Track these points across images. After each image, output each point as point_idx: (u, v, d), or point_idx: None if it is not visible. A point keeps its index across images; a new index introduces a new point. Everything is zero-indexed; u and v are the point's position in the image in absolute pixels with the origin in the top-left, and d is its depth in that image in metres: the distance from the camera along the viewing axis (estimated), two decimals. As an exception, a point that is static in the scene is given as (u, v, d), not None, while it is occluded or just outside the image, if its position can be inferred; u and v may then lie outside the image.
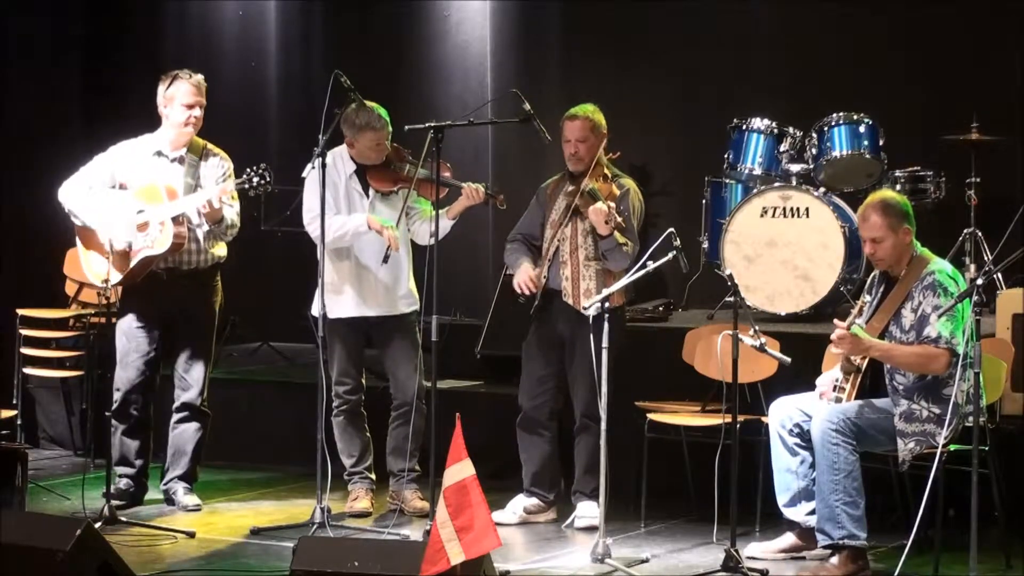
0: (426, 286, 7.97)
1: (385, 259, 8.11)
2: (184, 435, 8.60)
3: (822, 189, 9.54)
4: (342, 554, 6.44)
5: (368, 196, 8.31)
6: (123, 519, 8.08)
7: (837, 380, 7.42)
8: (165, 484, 8.64)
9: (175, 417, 8.62)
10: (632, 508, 8.32)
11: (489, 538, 6.14)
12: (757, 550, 7.59)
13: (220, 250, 8.54)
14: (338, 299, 8.31)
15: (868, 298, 7.57)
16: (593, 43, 10.69)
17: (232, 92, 11.69)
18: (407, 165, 8.29)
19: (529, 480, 8.32)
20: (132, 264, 8.27)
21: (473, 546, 6.11)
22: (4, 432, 9.21)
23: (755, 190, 9.56)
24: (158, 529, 8.04)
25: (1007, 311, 8.37)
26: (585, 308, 7.77)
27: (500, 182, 8.51)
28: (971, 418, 6.90)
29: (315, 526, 7.85)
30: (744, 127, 9.82)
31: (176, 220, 8.26)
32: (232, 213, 8.40)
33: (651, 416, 8.26)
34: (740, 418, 7.42)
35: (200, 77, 8.48)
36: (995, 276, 9.08)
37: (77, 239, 8.53)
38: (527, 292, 8.14)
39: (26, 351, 9.99)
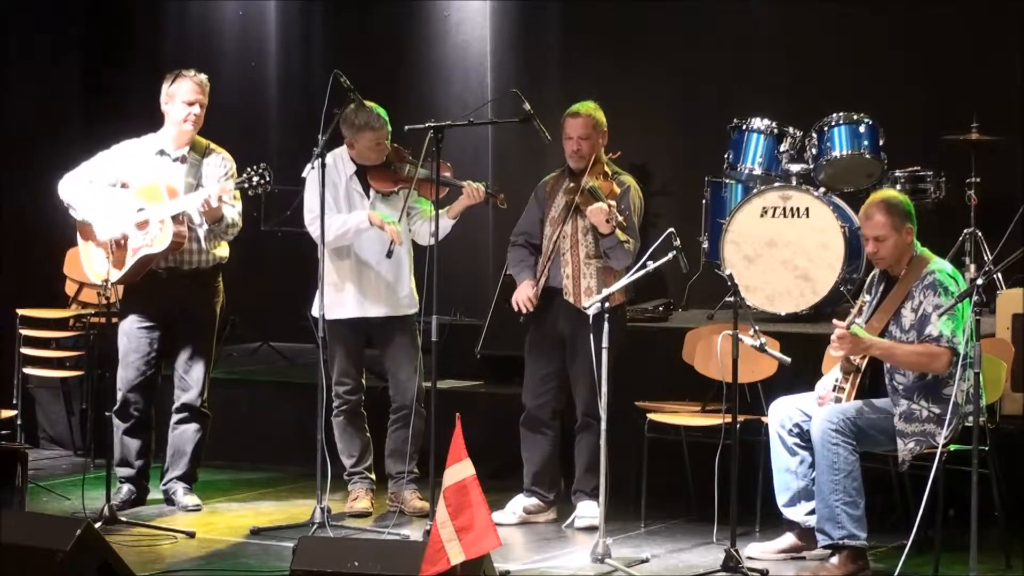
0: (426, 286, 7.97)
1: (389, 253, 8.10)
2: (184, 436, 8.60)
3: (822, 189, 9.53)
4: (342, 554, 6.44)
5: (369, 197, 8.31)
6: (123, 519, 8.08)
7: (837, 380, 7.42)
8: (164, 484, 8.64)
9: (175, 418, 8.62)
10: (632, 508, 8.32)
11: (489, 538, 6.14)
12: (757, 550, 7.59)
13: (222, 251, 8.54)
14: (339, 299, 8.30)
15: (868, 298, 7.57)
16: (593, 43, 10.69)
17: (232, 92, 11.68)
18: (407, 165, 8.29)
19: (530, 480, 8.32)
20: (131, 262, 8.26)
21: (473, 546, 6.11)
22: (4, 432, 9.21)
23: (755, 190, 9.55)
24: (158, 529, 8.04)
25: (1007, 311, 8.37)
26: (585, 307, 7.78)
27: (500, 182, 8.51)
28: (971, 418, 6.90)
29: (315, 526, 7.85)
30: (744, 127, 9.82)
31: (176, 219, 8.26)
32: (233, 212, 8.40)
33: (651, 416, 8.26)
34: (740, 418, 7.43)
35: (203, 76, 8.50)
36: (995, 276, 9.08)
37: (77, 234, 8.53)
38: (524, 311, 8.15)
39: (26, 351, 9.99)
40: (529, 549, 7.88)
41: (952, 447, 7.31)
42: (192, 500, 8.57)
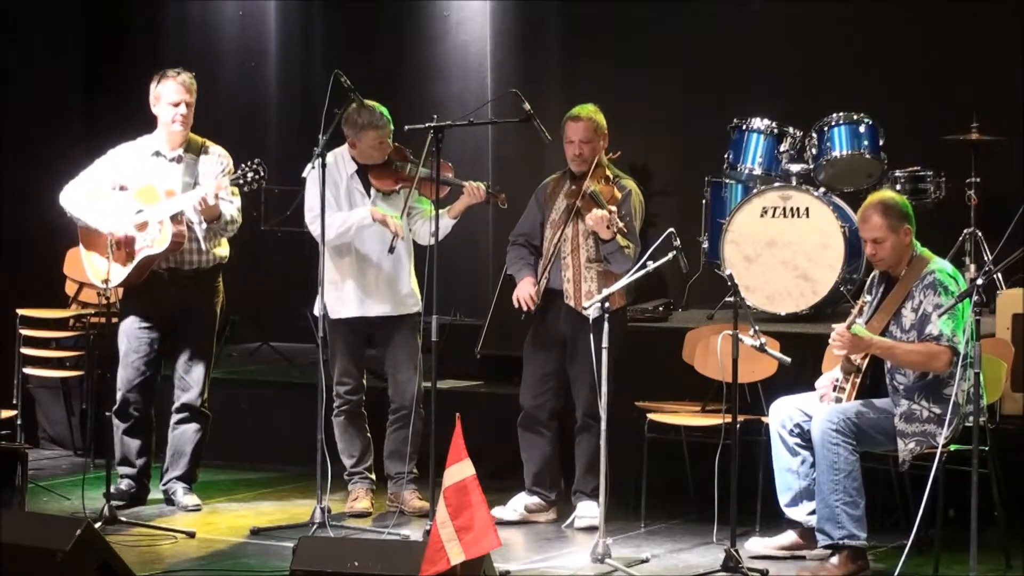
0: (426, 286, 7.98)
1: (391, 249, 8.09)
2: (184, 436, 8.60)
3: (822, 189, 9.53)
4: (342, 554, 6.44)
5: (369, 196, 8.31)
6: (123, 519, 8.08)
7: (837, 380, 7.42)
8: (164, 484, 8.64)
9: (175, 418, 8.62)
10: (632, 508, 8.32)
11: (489, 538, 6.14)
12: (759, 545, 7.60)
13: (222, 250, 8.54)
14: (340, 299, 8.31)
15: (868, 298, 7.57)
16: (593, 43, 10.69)
17: (232, 92, 11.71)
18: (409, 164, 8.29)
19: (531, 480, 8.33)
20: (133, 264, 8.27)
21: (473, 546, 6.11)
22: (4, 432, 9.20)
23: (755, 190, 9.55)
24: (158, 529, 8.04)
25: (1007, 311, 8.37)
26: (585, 308, 7.78)
27: (500, 182, 8.51)
28: (971, 418, 6.90)
29: (315, 526, 7.85)
30: (744, 127, 9.82)
31: (175, 219, 8.26)
32: (232, 209, 8.40)
33: (651, 416, 8.26)
34: (740, 418, 7.42)
35: (187, 75, 8.46)
36: (995, 276, 9.08)
37: (80, 243, 8.53)
38: (526, 309, 8.15)
39: (26, 351, 9.99)
40: (529, 549, 7.88)
41: (952, 447, 7.31)
42: (192, 500, 8.57)
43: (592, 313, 7.63)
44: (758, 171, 9.78)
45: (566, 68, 10.72)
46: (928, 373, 7.27)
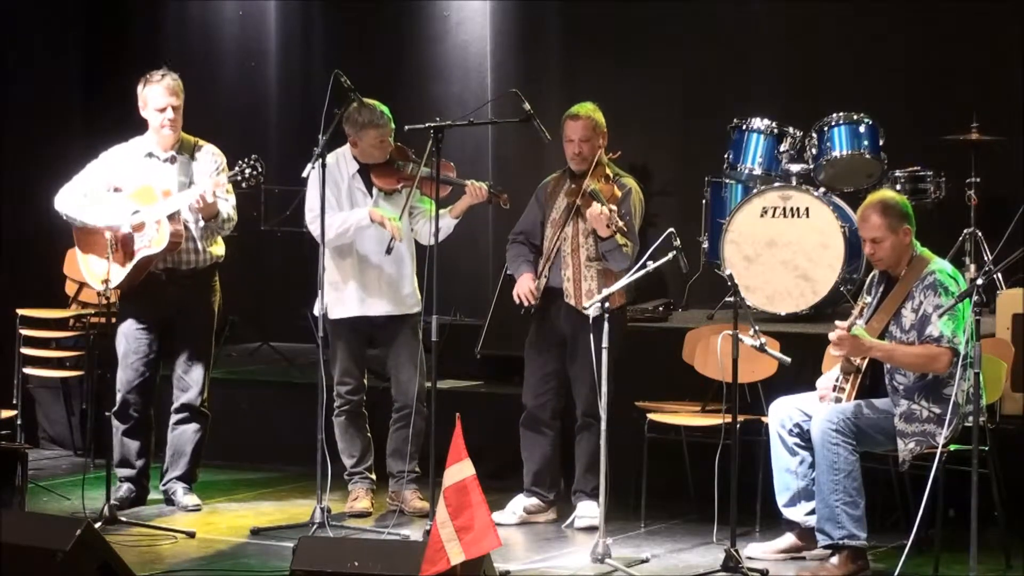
0: (426, 286, 7.98)
1: (388, 250, 8.09)
2: (183, 436, 8.60)
3: (822, 189, 9.53)
4: (342, 554, 6.44)
5: (371, 195, 8.31)
6: (123, 519, 8.08)
7: (837, 380, 7.42)
8: (164, 484, 8.64)
9: (174, 418, 8.62)
10: (632, 508, 8.32)
11: (489, 538, 6.14)
12: (757, 550, 7.59)
13: (219, 249, 8.54)
14: (341, 298, 8.31)
15: (868, 298, 7.57)
16: (593, 43, 10.69)
17: (232, 92, 11.71)
18: (410, 164, 8.29)
19: (530, 479, 8.32)
20: (131, 264, 8.26)
21: (473, 546, 6.11)
22: (4, 432, 9.20)
23: (755, 190, 9.55)
24: (158, 529, 8.04)
25: (1007, 311, 8.37)
26: (585, 308, 7.78)
27: (500, 182, 8.50)
28: (971, 418, 6.90)
29: (315, 526, 7.85)
30: (744, 127, 9.82)
31: (172, 218, 8.26)
32: (228, 207, 8.40)
33: (651, 416, 8.26)
34: (740, 418, 7.43)
35: (172, 77, 8.43)
36: (995, 276, 9.08)
37: (76, 246, 8.52)
38: (527, 303, 8.15)
39: (26, 351, 9.99)
40: (529, 549, 7.88)
41: (952, 447, 7.31)
42: (192, 500, 8.57)
43: (592, 312, 7.63)
44: (758, 171, 9.78)
45: (566, 68, 10.72)
46: (928, 373, 7.27)
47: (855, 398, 7.36)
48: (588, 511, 8.10)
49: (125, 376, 8.49)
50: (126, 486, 8.58)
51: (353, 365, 8.40)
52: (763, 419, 7.91)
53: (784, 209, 9.33)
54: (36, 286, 10.33)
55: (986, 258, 9.31)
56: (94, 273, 8.47)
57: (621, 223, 7.94)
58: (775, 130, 9.79)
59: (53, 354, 10.11)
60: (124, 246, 8.30)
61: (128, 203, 8.30)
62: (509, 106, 8.64)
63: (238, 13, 11.77)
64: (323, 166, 8.00)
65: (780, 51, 10.34)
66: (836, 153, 9.62)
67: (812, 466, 7.40)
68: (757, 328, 7.44)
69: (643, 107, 10.39)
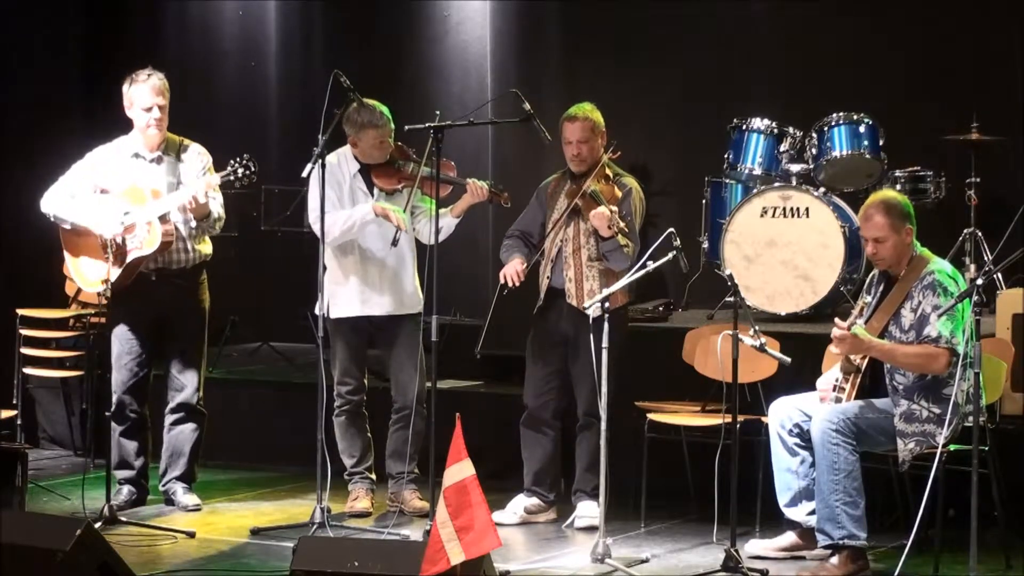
0: (426, 286, 7.98)
1: (394, 242, 8.09)
2: (181, 436, 8.59)
3: (822, 189, 9.53)
4: (342, 554, 6.44)
5: (372, 195, 8.31)
6: (123, 519, 8.08)
7: (837, 380, 7.42)
8: (164, 485, 8.64)
9: (171, 418, 8.61)
10: (632, 508, 8.32)
11: (489, 538, 6.14)
12: (758, 547, 7.59)
13: (206, 248, 8.54)
14: (342, 298, 8.30)
15: (868, 298, 7.57)
16: (593, 43, 10.69)
17: (232, 92, 11.71)
18: (411, 163, 8.29)
19: (531, 479, 8.33)
20: (123, 266, 8.24)
21: (473, 546, 6.11)
22: (4, 432, 9.20)
23: (755, 190, 9.56)
24: (158, 529, 8.04)
25: (1007, 311, 8.37)
26: (585, 308, 7.77)
27: (500, 182, 8.49)
28: (971, 418, 6.90)
29: (315, 526, 7.85)
30: (744, 127, 9.82)
31: (163, 219, 8.25)
32: (217, 206, 8.41)
33: (651, 416, 8.26)
34: (740, 418, 7.42)
35: (156, 77, 8.42)
36: (995, 276, 9.08)
37: (64, 250, 8.50)
38: (511, 284, 8.14)
39: (26, 351, 9.99)
40: (529, 549, 7.88)
41: (952, 447, 7.31)
42: (192, 500, 8.57)
43: (592, 312, 7.63)
44: (758, 171, 9.79)
45: (566, 68, 10.72)
46: (928, 373, 7.27)
47: (855, 398, 7.36)
48: (588, 511, 8.10)
49: (120, 377, 8.48)
50: (126, 488, 8.58)
51: (353, 365, 8.40)
52: (763, 419, 7.91)
53: (784, 209, 9.33)
54: (36, 286, 10.33)
55: (986, 258, 9.31)
56: (84, 276, 8.46)
57: (622, 223, 7.94)
58: (775, 130, 9.80)
59: (53, 354, 10.11)
60: (114, 248, 8.29)
61: (118, 204, 8.29)
62: (509, 106, 8.64)
63: (238, 13, 11.77)
64: (323, 166, 8.00)
65: (780, 51, 10.34)
66: (836, 153, 9.62)
67: (812, 466, 7.40)
68: (757, 328, 7.44)
69: (643, 107, 10.39)
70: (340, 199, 8.29)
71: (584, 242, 8.13)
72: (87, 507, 8.12)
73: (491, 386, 9.64)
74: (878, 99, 9.81)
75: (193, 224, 8.37)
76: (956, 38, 9.89)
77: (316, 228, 8.18)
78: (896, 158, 9.65)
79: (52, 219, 8.46)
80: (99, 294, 8.09)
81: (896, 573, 7.03)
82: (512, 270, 8.15)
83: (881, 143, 9.63)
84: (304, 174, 8.04)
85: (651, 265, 7.53)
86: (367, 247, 8.30)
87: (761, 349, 7.42)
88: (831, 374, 7.52)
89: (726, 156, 9.87)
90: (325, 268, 8.24)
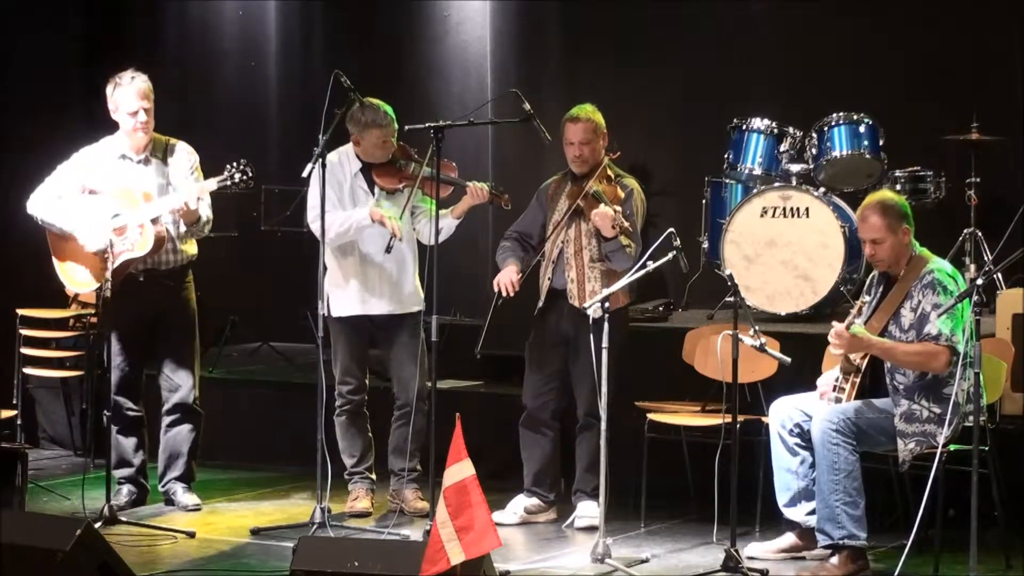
0: (426, 286, 7.99)
1: (388, 249, 8.10)
2: (178, 437, 8.59)
3: (822, 189, 9.54)
4: (342, 554, 6.44)
5: (373, 194, 8.31)
6: (123, 519, 8.08)
7: (837, 380, 7.42)
8: (164, 486, 8.63)
9: (167, 420, 8.60)
10: (632, 508, 8.32)
11: (489, 538, 6.14)
12: (757, 550, 7.59)
13: (192, 248, 8.54)
14: (343, 298, 8.31)
15: (867, 298, 7.57)
16: (593, 43, 10.69)
17: (232, 92, 11.71)
18: (412, 163, 8.29)
19: (531, 480, 8.33)
20: (112, 267, 8.20)
21: (473, 546, 6.11)
22: (4, 432, 9.20)
23: (755, 190, 9.56)
24: (158, 529, 8.04)
25: (1007, 311, 8.37)
26: (585, 307, 7.77)
27: (500, 182, 8.50)
28: (971, 418, 6.90)
29: (315, 526, 7.85)
30: (744, 127, 9.82)
31: (154, 221, 8.25)
32: (206, 209, 8.41)
33: (651, 416, 8.27)
34: (740, 418, 7.42)
35: (140, 79, 8.39)
36: (995, 276, 9.08)
37: (51, 251, 8.49)
38: (505, 294, 8.14)
39: (26, 351, 9.99)
40: (529, 549, 7.88)
41: (952, 447, 7.31)
42: (192, 500, 8.57)
43: (592, 313, 7.62)
44: (758, 171, 9.78)
45: (566, 68, 10.71)
46: (928, 373, 7.27)
47: (855, 398, 7.36)
48: (588, 511, 8.10)
49: (113, 378, 8.46)
50: (126, 488, 8.58)
51: (354, 365, 8.40)
52: (763, 419, 7.92)
53: (784, 209, 9.33)
54: (36, 286, 10.32)
55: (986, 258, 9.31)
56: (71, 277, 8.45)
57: (626, 223, 7.95)
58: (775, 130, 9.79)
59: (53, 354, 10.10)
60: (109, 251, 8.28)
61: (107, 205, 8.27)
62: (509, 106, 8.64)
63: (238, 13, 11.77)
64: (323, 166, 8.00)
65: (780, 51, 10.34)
66: (836, 153, 9.62)
67: (812, 466, 7.40)
68: (757, 328, 7.44)
69: (643, 107, 10.39)
70: (340, 198, 8.29)
71: (586, 243, 8.13)
72: (87, 507, 8.12)
73: (491, 386, 9.64)
74: (878, 99, 9.81)
75: (183, 229, 8.37)
76: (956, 38, 9.88)
77: (315, 228, 8.17)
78: (896, 158, 9.65)
79: (39, 222, 8.45)
80: (97, 293, 8.08)
81: (896, 573, 7.03)
82: (507, 279, 8.14)
83: (881, 143, 9.63)
84: (304, 174, 8.04)
85: (651, 265, 7.53)
86: (367, 248, 8.30)
87: (761, 349, 7.42)
88: (831, 374, 7.52)
89: (726, 156, 9.87)
90: (326, 269, 8.24)
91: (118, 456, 8.54)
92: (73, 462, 9.91)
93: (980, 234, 9.32)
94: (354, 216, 8.22)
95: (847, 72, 10.12)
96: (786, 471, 7.50)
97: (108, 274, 7.99)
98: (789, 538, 7.58)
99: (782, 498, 7.53)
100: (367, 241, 8.29)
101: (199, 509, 8.54)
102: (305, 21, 11.68)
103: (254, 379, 10.37)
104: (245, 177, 8.23)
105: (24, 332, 9.96)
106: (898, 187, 9.43)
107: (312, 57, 11.58)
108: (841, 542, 7.24)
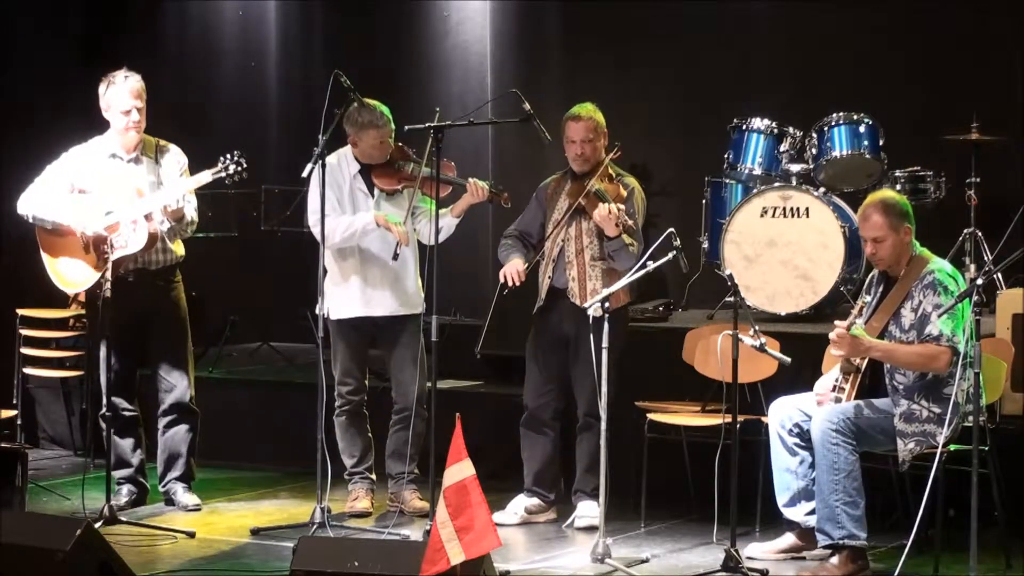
0: (426, 286, 7.98)
1: (395, 256, 8.10)
2: (176, 437, 8.59)
3: (822, 189, 9.53)
4: (342, 554, 6.44)
5: (373, 195, 8.31)
6: (123, 519, 8.07)
7: (837, 380, 7.42)
8: (164, 486, 8.63)
9: (164, 420, 8.60)
10: (632, 508, 8.32)
11: (489, 538, 6.14)
12: (757, 550, 7.59)
13: (180, 249, 8.55)
14: (343, 298, 8.30)
15: (867, 298, 7.57)
16: (593, 43, 10.69)
17: (232, 92, 11.71)
18: (411, 164, 8.29)
19: (531, 480, 8.33)
20: (107, 265, 8.20)
21: (473, 546, 6.11)
22: (4, 432, 9.20)
23: (755, 190, 9.55)
24: (158, 529, 8.04)
25: (1007, 311, 8.37)
26: (585, 307, 7.77)
27: (500, 182, 8.50)
28: (971, 418, 6.90)
29: (315, 526, 7.85)
30: (744, 127, 9.82)
31: (147, 217, 8.25)
32: (192, 210, 8.41)
33: (651, 416, 8.26)
34: (740, 418, 7.42)
35: (134, 79, 8.39)
36: (995, 276, 9.07)
37: (43, 252, 8.48)
38: (512, 283, 8.13)
39: (26, 351, 9.99)
40: (529, 549, 7.88)
41: (952, 447, 7.31)
42: (192, 499, 8.57)
43: (592, 312, 7.62)
44: (758, 171, 9.78)
45: (566, 68, 10.71)
46: (928, 373, 7.27)
47: (855, 398, 7.36)
48: (588, 511, 8.10)
49: (108, 379, 8.44)
50: (126, 488, 8.58)
51: (355, 365, 8.40)
52: (763, 419, 7.91)
53: (784, 209, 9.33)
54: (36, 286, 10.31)
55: (986, 258, 9.31)
56: (63, 277, 8.44)
57: (630, 222, 7.96)
58: (775, 130, 9.79)
59: (53, 354, 10.11)
60: (96, 248, 8.28)
61: (99, 203, 8.27)
62: (509, 106, 8.63)
63: (238, 13, 11.77)
64: (323, 167, 8.00)
65: (780, 51, 10.34)
66: (836, 153, 9.61)
67: (812, 466, 7.40)
68: (757, 328, 7.44)
69: (643, 107, 10.39)
70: (340, 200, 8.28)
71: (588, 242, 8.13)
72: (87, 507, 8.12)
73: (491, 386, 9.65)
74: (878, 99, 9.81)
75: (167, 226, 8.36)
76: (956, 38, 9.88)
77: (316, 231, 8.17)
78: (896, 158, 9.64)
79: (31, 220, 8.45)
80: (98, 293, 8.08)
81: (896, 573, 7.03)
82: (512, 269, 8.14)
83: (881, 143, 9.63)
84: (304, 174, 8.04)
85: (651, 265, 7.53)
86: (367, 249, 8.30)
87: (761, 349, 7.42)
88: (830, 376, 7.52)
89: (726, 156, 9.87)
90: (325, 270, 8.24)
91: (116, 456, 8.53)
92: (73, 462, 9.91)
93: (980, 234, 9.32)
94: (357, 222, 8.21)
95: (847, 72, 10.12)
96: (786, 471, 7.50)
97: (108, 274, 7.98)
98: (789, 538, 7.58)
99: (782, 498, 7.53)
100: (368, 243, 8.28)
101: (199, 509, 8.54)
102: (305, 21, 11.69)
103: (254, 379, 10.37)
104: (239, 168, 8.23)
105: (24, 332, 9.96)
106: (898, 187, 9.43)
107: (312, 57, 11.58)
108: (841, 542, 7.24)
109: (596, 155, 8.16)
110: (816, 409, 7.39)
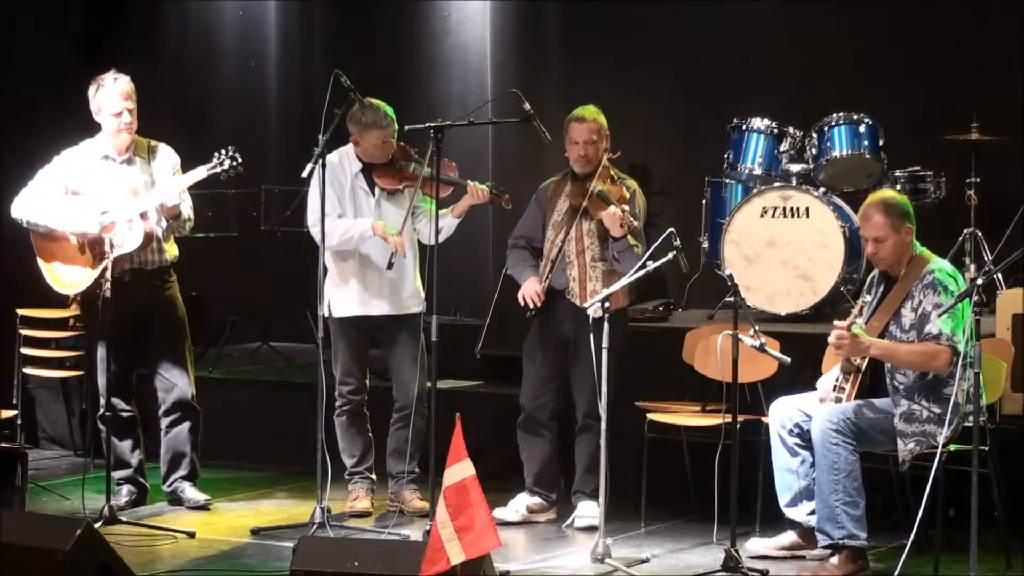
0: (426, 286, 7.98)
1: (389, 265, 8.11)
2: (180, 436, 8.59)
3: (822, 189, 9.53)
4: (342, 554, 6.44)
5: (374, 195, 8.31)
6: (123, 519, 8.07)
7: (837, 380, 7.42)
8: (170, 486, 8.63)
9: (166, 420, 8.59)
10: (632, 508, 8.32)
11: (489, 538, 6.14)
12: (759, 545, 7.60)
13: (174, 249, 8.55)
14: (343, 298, 8.30)
15: (868, 298, 7.57)
16: (593, 43, 10.69)
17: (232, 92, 11.71)
18: (413, 164, 8.29)
19: (532, 480, 8.33)
20: (102, 265, 8.19)
21: (473, 546, 6.11)
22: (4, 432, 9.20)
23: (755, 190, 9.55)
24: (158, 529, 8.04)
25: (1007, 311, 8.37)
26: (585, 307, 7.76)
27: (500, 182, 8.50)
28: (971, 418, 6.90)
29: (315, 526, 7.85)
30: (744, 127, 9.82)
31: (143, 216, 8.25)
32: (188, 208, 8.41)
33: (651, 416, 8.26)
34: (740, 418, 7.42)
35: (124, 80, 8.40)
36: (995, 276, 9.08)
37: (37, 257, 8.48)
38: (532, 306, 8.14)
39: (26, 351, 9.98)
40: (529, 549, 7.88)
41: (952, 447, 7.31)
42: (201, 496, 8.58)
43: (592, 313, 7.62)
44: (758, 171, 9.78)
45: (566, 68, 10.72)
46: (928, 373, 7.27)
47: (855, 398, 7.36)
48: (588, 511, 8.10)
49: (105, 379, 8.44)
50: (126, 488, 8.58)
51: (355, 365, 8.40)
52: (763, 419, 7.91)
53: (784, 209, 9.33)
54: (36, 286, 10.30)
55: (986, 258, 9.31)
56: (59, 279, 8.44)
57: (635, 222, 7.96)
58: (775, 130, 9.79)
59: (53, 354, 10.11)
60: (92, 248, 8.28)
61: (94, 204, 8.26)
62: (509, 106, 8.64)
63: (238, 13, 11.78)
64: (323, 167, 8.00)
65: (780, 51, 10.34)
66: (836, 153, 9.61)
67: (813, 466, 7.40)
68: (757, 328, 7.44)
69: (643, 107, 10.39)
70: (341, 199, 8.28)
71: (588, 243, 8.13)
72: (87, 507, 8.12)
73: (491, 386, 9.64)
74: (878, 99, 9.81)
75: (164, 225, 8.36)
76: (956, 38, 9.88)
77: (315, 232, 8.16)
78: (896, 158, 9.64)
79: (25, 224, 8.45)
80: (98, 293, 8.07)
81: (896, 573, 7.03)
82: (531, 291, 8.14)
83: (881, 143, 9.63)
84: (304, 174, 8.04)
85: (651, 265, 7.53)
86: (367, 251, 8.30)
87: (761, 349, 7.42)
88: (831, 375, 7.52)
89: (726, 156, 9.87)
90: (326, 270, 8.24)
91: (116, 457, 8.53)
92: (73, 462, 9.92)
93: (980, 234, 9.32)
94: (357, 228, 8.20)
95: (847, 72, 10.12)
96: (787, 471, 7.50)
97: (107, 274, 7.98)
98: (790, 536, 7.59)
99: (783, 498, 7.53)
100: (367, 244, 8.28)
101: (208, 506, 8.53)
102: (305, 21, 11.69)
103: (254, 379, 10.37)
104: (234, 163, 8.23)
105: (24, 332, 9.96)
106: (898, 187, 9.43)
107: (312, 57, 11.58)
108: (841, 542, 7.24)
109: (598, 156, 8.16)
110: (816, 409, 7.39)
